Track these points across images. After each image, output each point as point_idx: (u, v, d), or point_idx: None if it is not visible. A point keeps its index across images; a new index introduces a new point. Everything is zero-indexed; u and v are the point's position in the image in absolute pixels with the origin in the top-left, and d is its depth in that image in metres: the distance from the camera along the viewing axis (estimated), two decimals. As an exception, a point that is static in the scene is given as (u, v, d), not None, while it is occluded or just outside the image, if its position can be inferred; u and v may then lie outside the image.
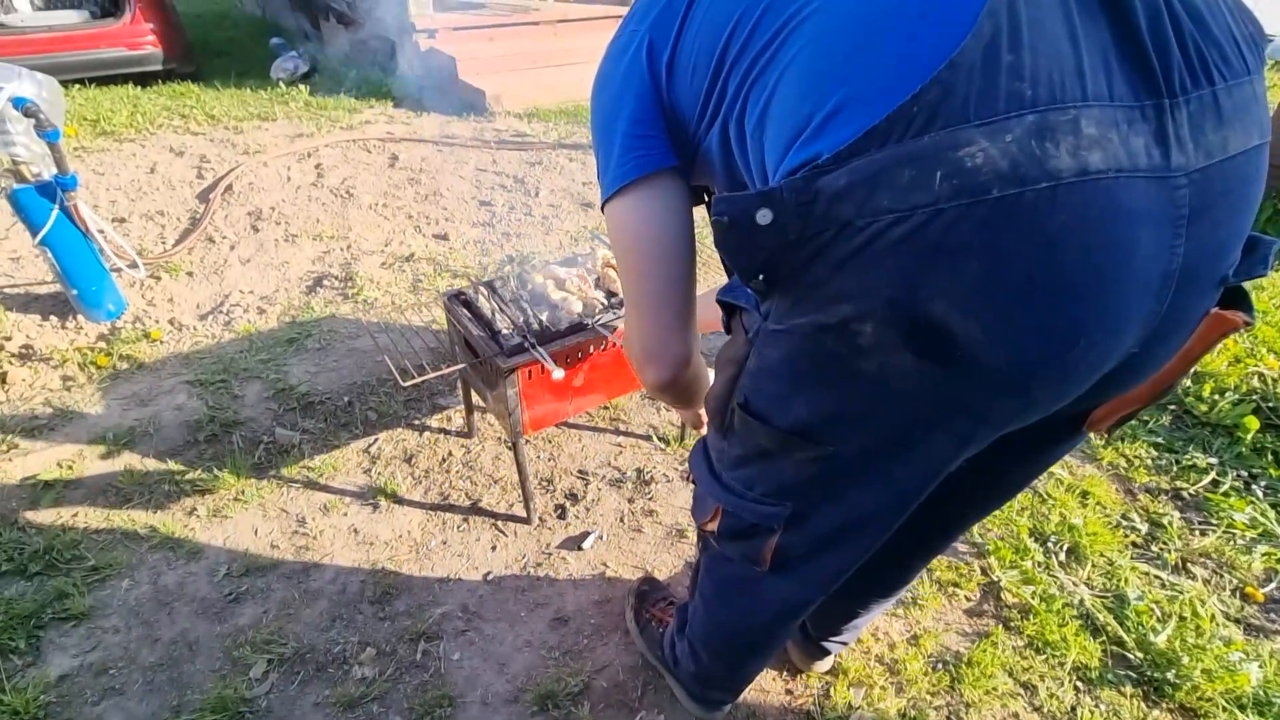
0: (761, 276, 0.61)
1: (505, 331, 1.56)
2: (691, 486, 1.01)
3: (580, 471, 2.01)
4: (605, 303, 1.69)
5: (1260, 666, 1.48)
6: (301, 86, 5.13)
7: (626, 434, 2.16)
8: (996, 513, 1.60)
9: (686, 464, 2.01)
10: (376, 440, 2.08)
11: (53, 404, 2.15)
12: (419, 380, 1.47)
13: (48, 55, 4.65)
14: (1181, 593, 1.66)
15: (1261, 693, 1.44)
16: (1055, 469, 2.00)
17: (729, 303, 0.77)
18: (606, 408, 2.23)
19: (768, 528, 0.83)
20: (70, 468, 1.94)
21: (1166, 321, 0.59)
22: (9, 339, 2.37)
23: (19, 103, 2.00)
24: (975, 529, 1.81)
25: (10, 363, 2.29)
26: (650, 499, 1.92)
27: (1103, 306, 0.55)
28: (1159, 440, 2.11)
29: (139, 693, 1.44)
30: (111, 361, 2.32)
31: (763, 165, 0.62)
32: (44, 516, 1.80)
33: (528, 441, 1.98)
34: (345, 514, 1.85)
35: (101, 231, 2.43)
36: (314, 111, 4.75)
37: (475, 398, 2.02)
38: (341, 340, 2.48)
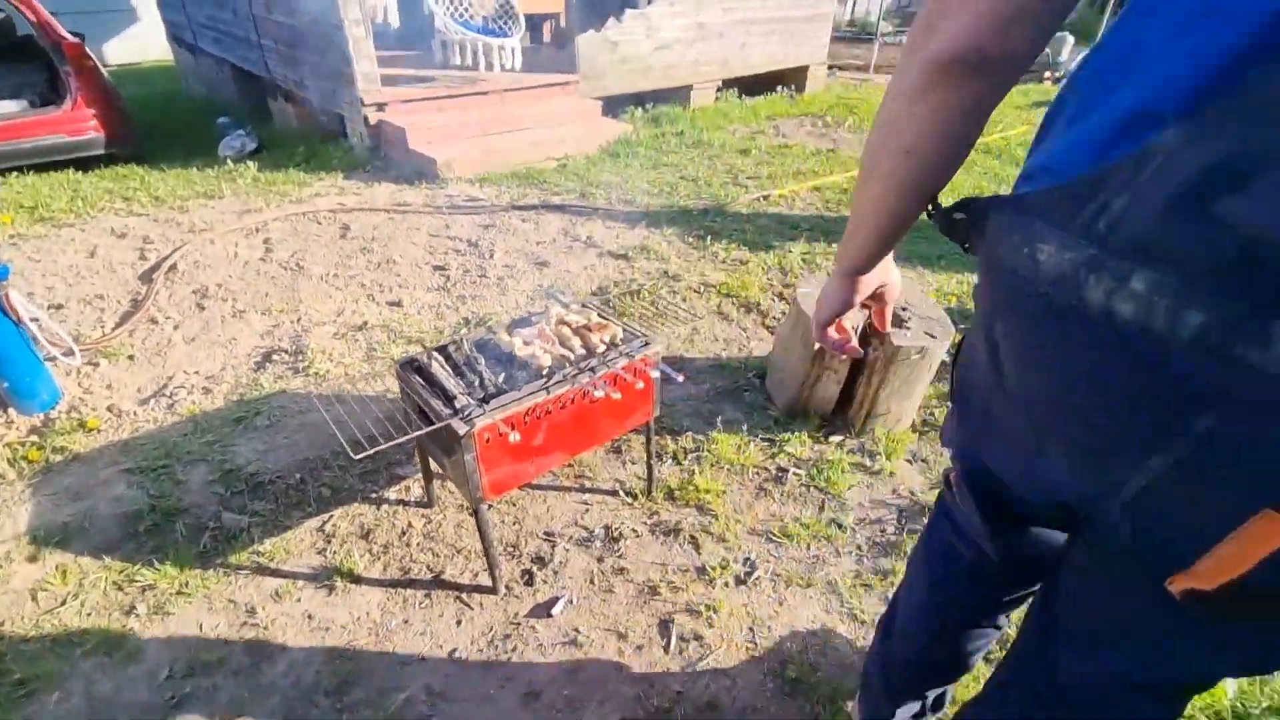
0: None
1: (460, 396, 1.53)
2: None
3: (546, 534, 1.96)
4: (572, 358, 1.66)
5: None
6: (250, 163, 5.11)
7: (592, 490, 2.11)
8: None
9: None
10: (331, 517, 1.99)
11: (-23, 505, 2.01)
12: (371, 451, 1.41)
13: (-16, 145, 4.56)
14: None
15: (1239, 704, 1.45)
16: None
17: None
18: (570, 465, 2.19)
19: None
20: (-5, 573, 1.80)
21: None
22: (-69, 438, 2.23)
23: (-56, 194, 1.94)
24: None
25: (-69, 464, 2.14)
26: (620, 556, 1.87)
27: None
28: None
29: (68, 821, 1.31)
30: (44, 455, 2.19)
31: None
32: (-37, 630, 1.66)
33: (490, 507, 1.92)
34: (299, 599, 1.75)
35: (35, 320, 2.34)
36: (262, 187, 4.73)
37: (434, 465, 1.96)
38: (292, 416, 2.40)
